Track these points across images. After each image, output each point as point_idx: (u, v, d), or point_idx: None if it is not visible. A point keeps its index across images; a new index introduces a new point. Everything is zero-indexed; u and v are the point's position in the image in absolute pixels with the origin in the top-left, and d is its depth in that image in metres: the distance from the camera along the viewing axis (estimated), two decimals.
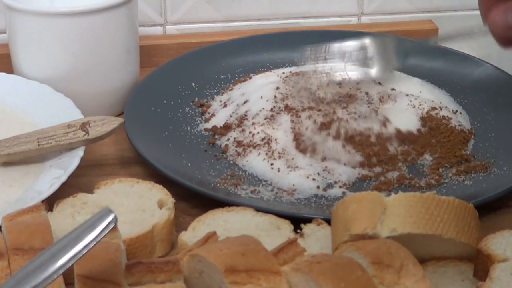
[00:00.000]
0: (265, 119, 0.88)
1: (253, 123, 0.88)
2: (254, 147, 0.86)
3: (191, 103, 0.95)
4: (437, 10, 1.15)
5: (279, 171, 0.84)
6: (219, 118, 0.92)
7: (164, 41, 1.09)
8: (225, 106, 0.94)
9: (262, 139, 0.86)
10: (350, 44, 0.90)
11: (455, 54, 1.02)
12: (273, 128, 0.87)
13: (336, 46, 0.90)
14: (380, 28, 1.11)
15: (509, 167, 0.83)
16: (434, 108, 0.91)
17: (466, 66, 0.99)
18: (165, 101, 0.94)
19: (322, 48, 0.90)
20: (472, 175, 0.84)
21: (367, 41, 0.89)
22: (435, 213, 0.65)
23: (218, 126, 0.90)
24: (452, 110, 0.92)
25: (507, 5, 0.72)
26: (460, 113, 0.93)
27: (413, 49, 0.90)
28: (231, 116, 0.91)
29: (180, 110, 0.94)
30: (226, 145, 0.88)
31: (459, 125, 0.90)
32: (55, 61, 0.92)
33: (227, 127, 0.90)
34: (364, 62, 0.89)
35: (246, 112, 0.90)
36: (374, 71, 0.89)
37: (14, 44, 0.94)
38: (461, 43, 0.95)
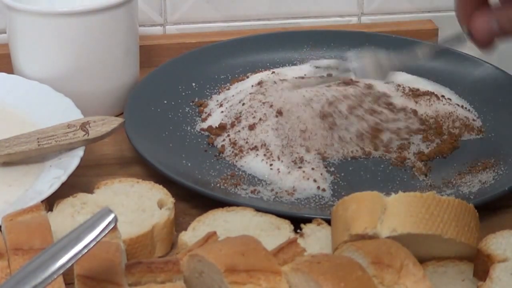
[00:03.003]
0: (259, 120, 0.88)
1: (248, 124, 0.88)
2: (252, 149, 0.86)
3: (191, 103, 0.95)
4: (437, 10, 1.15)
5: (279, 171, 0.84)
6: (215, 118, 0.92)
7: (164, 41, 1.09)
8: (220, 105, 0.93)
9: (259, 141, 0.86)
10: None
11: (455, 54, 1.02)
12: (266, 132, 0.87)
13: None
14: (380, 28, 1.11)
15: (509, 167, 0.83)
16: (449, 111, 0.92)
17: (466, 66, 0.99)
18: (165, 101, 0.94)
19: None
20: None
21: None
22: (435, 213, 0.65)
23: (214, 126, 0.90)
24: (461, 105, 0.93)
25: (492, 13, 0.74)
26: (469, 110, 0.93)
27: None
28: (226, 116, 0.91)
29: (180, 110, 0.94)
30: (223, 146, 0.88)
31: (468, 121, 0.91)
32: (55, 61, 0.92)
33: (222, 128, 0.90)
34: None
35: (240, 112, 0.90)
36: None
37: (14, 44, 0.94)
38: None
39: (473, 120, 0.92)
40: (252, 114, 0.89)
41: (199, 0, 1.10)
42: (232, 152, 0.87)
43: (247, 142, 0.87)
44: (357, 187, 0.83)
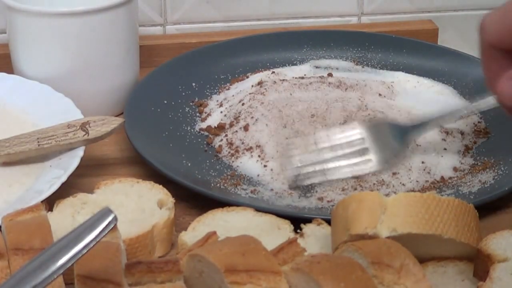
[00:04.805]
0: (256, 120, 0.88)
1: (246, 125, 0.88)
2: (247, 150, 0.86)
3: (191, 103, 0.95)
4: (437, 10, 1.15)
5: (272, 171, 0.83)
6: (214, 118, 0.92)
7: (164, 41, 1.09)
8: (220, 105, 0.94)
9: (254, 142, 0.86)
10: (341, 136, 0.83)
11: (455, 54, 1.02)
12: (262, 132, 0.87)
13: (324, 135, 0.83)
14: (380, 28, 1.11)
15: (509, 167, 0.83)
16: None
17: (466, 66, 0.99)
18: (165, 101, 0.94)
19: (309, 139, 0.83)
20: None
21: (358, 130, 0.83)
22: (435, 213, 0.65)
23: (213, 126, 0.90)
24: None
25: None
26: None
27: (410, 130, 0.84)
28: (225, 116, 0.91)
29: (180, 110, 0.94)
30: (220, 146, 0.88)
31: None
32: (55, 61, 0.92)
33: (220, 128, 0.90)
34: (360, 153, 0.82)
35: (239, 112, 0.90)
36: (372, 164, 0.82)
37: (14, 44, 0.94)
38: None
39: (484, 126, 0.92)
40: (251, 114, 0.89)
41: (199, 0, 1.10)
42: (229, 152, 0.86)
43: (243, 143, 0.87)
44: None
